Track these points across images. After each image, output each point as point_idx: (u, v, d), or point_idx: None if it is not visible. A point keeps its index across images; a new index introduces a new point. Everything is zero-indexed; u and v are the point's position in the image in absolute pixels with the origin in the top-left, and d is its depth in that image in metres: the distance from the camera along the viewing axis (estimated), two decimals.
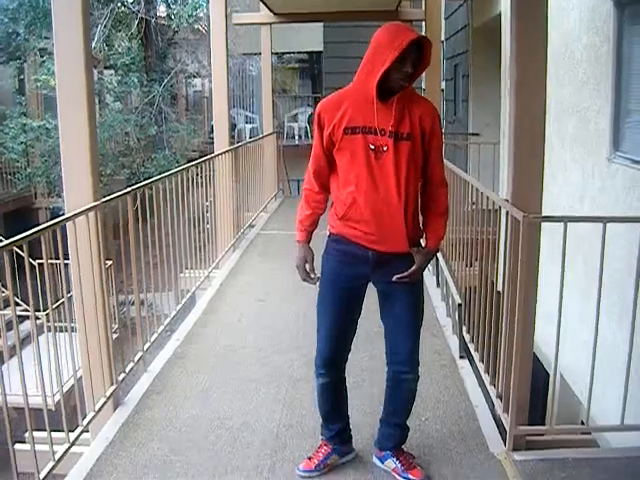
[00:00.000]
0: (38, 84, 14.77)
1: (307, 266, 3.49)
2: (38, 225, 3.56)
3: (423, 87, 10.77)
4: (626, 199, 5.29)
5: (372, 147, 3.20)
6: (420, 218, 3.43)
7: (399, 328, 3.44)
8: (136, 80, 16.72)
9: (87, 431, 4.03)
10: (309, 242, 3.51)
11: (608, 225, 3.70)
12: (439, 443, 3.92)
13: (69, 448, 3.71)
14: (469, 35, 13.91)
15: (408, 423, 3.63)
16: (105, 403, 4.17)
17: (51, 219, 3.78)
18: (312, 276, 3.50)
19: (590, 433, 4.66)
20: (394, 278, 3.30)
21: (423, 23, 10.14)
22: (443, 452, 3.82)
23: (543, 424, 4.23)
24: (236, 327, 5.93)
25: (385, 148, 3.19)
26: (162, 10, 17.80)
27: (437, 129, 3.30)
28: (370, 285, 3.45)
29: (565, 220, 3.72)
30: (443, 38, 15.13)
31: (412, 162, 3.23)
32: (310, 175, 3.44)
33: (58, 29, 3.98)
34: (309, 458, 3.63)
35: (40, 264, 3.55)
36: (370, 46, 3.15)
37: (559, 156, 6.78)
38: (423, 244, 3.44)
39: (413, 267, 3.31)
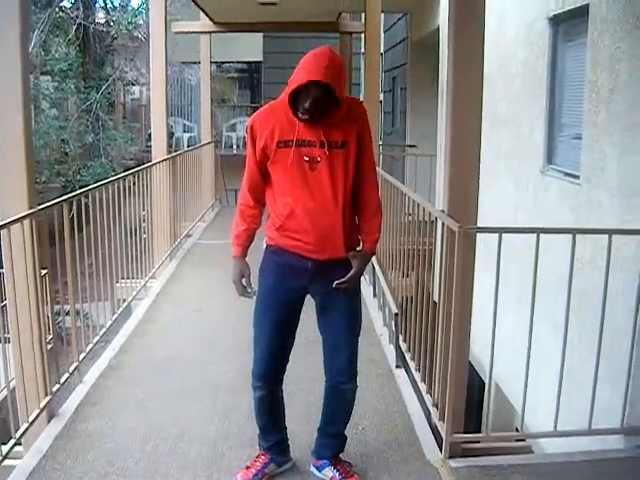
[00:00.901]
0: None
1: (244, 281, 3.47)
2: None
3: (361, 99, 10.86)
4: (558, 211, 5.41)
5: (306, 159, 3.22)
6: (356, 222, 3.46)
7: (337, 339, 3.45)
8: (73, 87, 16.54)
9: (20, 444, 3.94)
10: (245, 256, 3.48)
11: (541, 236, 3.78)
12: (376, 451, 3.95)
13: (1, 461, 3.62)
14: (407, 48, 14.09)
15: (345, 432, 3.65)
16: (39, 414, 4.09)
17: None
18: (249, 290, 3.48)
19: (525, 440, 4.74)
20: (334, 284, 3.31)
21: (362, 35, 10.23)
22: (380, 460, 3.85)
23: (479, 432, 4.28)
24: (172, 337, 5.88)
25: (319, 159, 3.21)
26: (101, 16, 17.63)
27: (367, 128, 3.34)
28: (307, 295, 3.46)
29: (500, 231, 3.80)
30: (382, 50, 15.28)
31: (347, 169, 3.25)
32: (245, 190, 3.43)
33: None
34: (247, 467, 3.62)
35: None
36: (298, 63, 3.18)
37: (494, 168, 6.90)
38: (359, 248, 3.46)
39: (351, 271, 3.33)
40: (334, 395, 3.55)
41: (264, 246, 3.46)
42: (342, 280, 3.32)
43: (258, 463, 3.61)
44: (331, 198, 3.23)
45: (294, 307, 3.44)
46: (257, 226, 3.47)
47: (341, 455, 3.66)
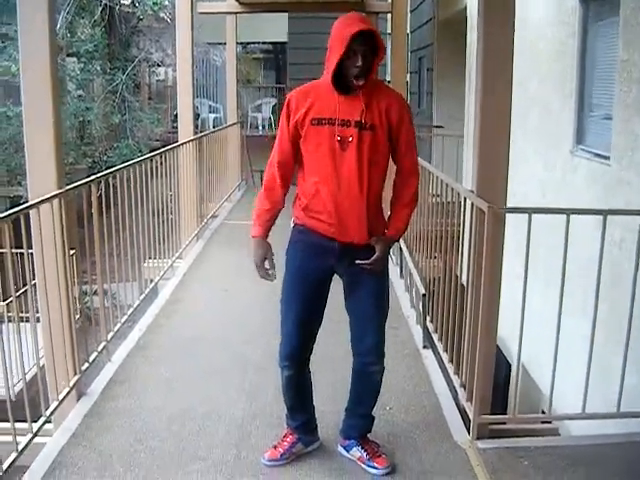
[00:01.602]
0: None
1: (266, 263, 3.43)
2: None
3: (388, 79, 10.79)
4: (588, 192, 5.36)
5: (339, 138, 3.20)
6: (385, 208, 3.44)
7: (365, 319, 3.45)
8: (99, 68, 16.58)
9: (50, 421, 3.98)
10: (267, 237, 3.43)
11: (571, 217, 3.75)
12: (404, 432, 3.95)
13: (32, 439, 3.66)
14: (434, 28, 13.98)
15: (373, 413, 3.65)
16: (68, 393, 4.13)
17: (11, 208, 3.72)
18: (270, 273, 3.44)
19: (551, 422, 4.72)
20: (357, 262, 3.30)
21: (389, 15, 10.15)
22: (408, 441, 3.85)
23: (505, 413, 4.28)
24: (199, 317, 5.91)
25: (350, 139, 3.20)
26: None
27: (406, 120, 3.30)
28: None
29: (530, 211, 3.76)
30: (409, 31, 15.17)
31: (375, 153, 3.24)
32: (274, 167, 3.38)
33: (23, 15, 3.92)
34: (274, 447, 3.63)
35: (1, 253, 3.49)
36: (329, 38, 3.17)
37: (522, 149, 6.84)
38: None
39: (374, 256, 3.31)
40: (362, 376, 3.55)
41: (292, 225, 3.45)
42: (365, 262, 3.30)
43: (286, 443, 3.63)
44: (357, 181, 3.22)
45: (322, 286, 3.43)
46: (281, 207, 3.44)
47: (369, 435, 3.66)
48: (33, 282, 4.02)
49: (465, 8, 9.96)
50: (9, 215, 3.50)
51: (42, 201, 3.85)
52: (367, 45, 3.10)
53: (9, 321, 3.94)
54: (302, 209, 3.35)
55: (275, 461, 3.59)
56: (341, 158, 3.21)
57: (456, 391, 4.28)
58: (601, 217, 3.78)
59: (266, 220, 3.40)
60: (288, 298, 3.47)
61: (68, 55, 16.82)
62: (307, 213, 3.33)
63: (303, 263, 3.41)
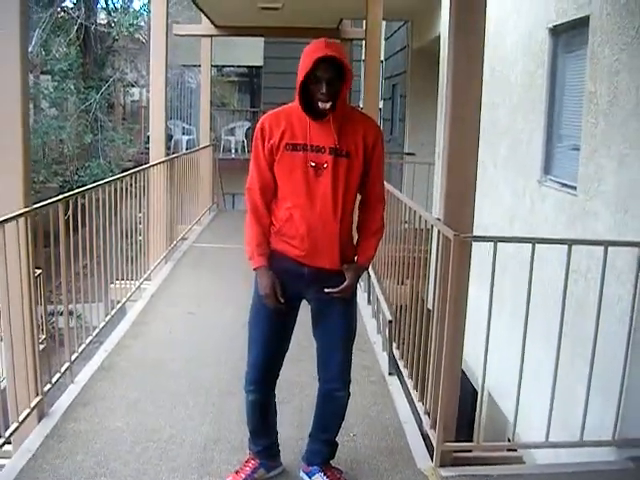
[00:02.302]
0: None
1: (278, 291, 3.30)
2: None
3: (361, 105, 10.86)
4: (555, 221, 5.41)
5: (313, 164, 3.21)
6: (355, 235, 3.45)
7: (331, 345, 3.44)
8: (73, 87, 16.54)
9: (9, 443, 3.92)
10: (268, 265, 3.33)
11: (537, 246, 3.78)
12: (367, 458, 3.93)
13: None
14: (408, 56, 14.11)
15: (337, 439, 3.64)
16: (29, 414, 4.07)
17: None
18: (282, 301, 3.32)
19: (516, 450, 4.73)
20: (326, 290, 3.29)
21: (363, 42, 10.24)
22: (371, 467, 3.84)
23: (470, 441, 4.28)
24: (166, 339, 5.87)
25: (325, 165, 3.20)
26: (102, 17, 17.65)
27: (379, 147, 3.31)
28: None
29: (495, 240, 3.79)
30: (383, 58, 15.32)
31: (349, 179, 3.24)
32: (255, 193, 3.32)
33: None
34: (236, 472, 3.60)
35: None
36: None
37: (491, 177, 6.91)
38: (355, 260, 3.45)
39: (344, 283, 3.30)
40: (327, 402, 3.54)
41: None
42: (335, 290, 3.30)
43: (247, 468, 3.60)
44: (331, 207, 3.22)
45: (289, 312, 3.41)
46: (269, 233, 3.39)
47: (332, 462, 3.65)
48: None
49: (438, 37, 10.06)
50: None
51: (7, 219, 3.81)
52: (332, 71, 3.08)
53: None
54: (274, 233, 3.34)
55: None
56: (315, 184, 3.22)
57: (421, 418, 4.28)
58: (566, 246, 3.81)
59: (264, 248, 3.33)
60: (256, 323, 3.45)
61: (42, 73, 16.81)
62: (279, 237, 3.32)
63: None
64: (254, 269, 3.35)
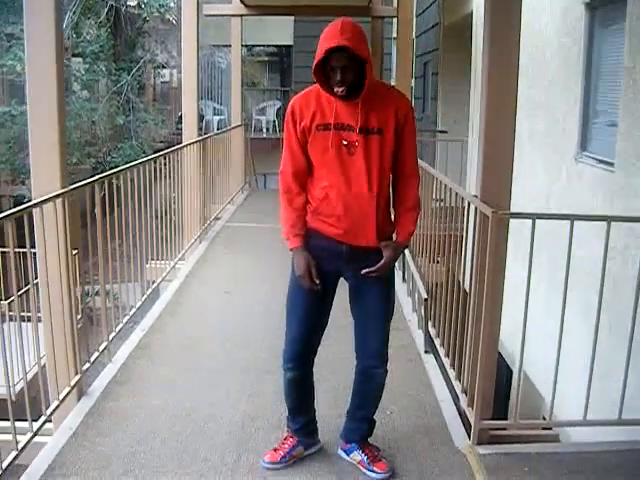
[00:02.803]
0: (4, 69, 14.54)
1: (313, 272, 3.30)
2: (1, 212, 3.51)
3: (393, 83, 10.79)
4: (592, 198, 5.35)
5: (345, 143, 3.21)
6: (392, 212, 3.43)
7: (369, 323, 3.44)
8: (104, 69, 16.60)
9: (50, 421, 3.97)
10: (304, 246, 3.33)
11: (575, 223, 3.74)
12: (404, 437, 3.94)
13: (32, 438, 3.66)
14: (440, 33, 13.99)
15: (374, 417, 3.65)
16: (69, 393, 4.13)
17: (14, 207, 3.72)
18: (317, 282, 3.31)
19: (552, 428, 4.71)
20: (363, 272, 3.29)
21: (394, 20, 10.17)
22: (408, 446, 3.84)
23: (506, 419, 4.26)
24: (201, 319, 5.90)
25: (357, 144, 3.20)
26: None
27: (410, 120, 3.28)
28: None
29: (534, 217, 3.76)
30: (414, 35, 15.19)
31: (383, 156, 3.23)
32: (289, 177, 3.34)
33: (29, 14, 3.92)
34: (274, 450, 3.63)
35: (3, 253, 3.49)
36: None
37: (527, 154, 6.84)
38: (394, 238, 3.44)
39: (382, 261, 3.30)
40: (365, 379, 3.54)
41: None
42: (372, 269, 3.29)
43: (286, 445, 3.62)
44: (366, 185, 3.22)
45: (327, 289, 3.41)
46: (304, 213, 3.38)
47: (369, 439, 3.66)
48: (35, 281, 4.02)
49: (471, 14, 9.96)
50: (12, 214, 3.49)
51: (45, 200, 3.85)
52: (345, 59, 3.03)
53: (11, 320, 3.92)
54: (310, 212, 3.34)
55: (275, 464, 3.58)
56: (349, 162, 3.22)
57: (457, 396, 4.27)
58: (605, 223, 3.77)
59: (299, 228, 3.34)
60: (294, 301, 3.47)
61: (73, 55, 16.86)
62: (316, 216, 3.33)
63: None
64: (290, 250, 3.36)
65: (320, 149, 3.24)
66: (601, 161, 5.37)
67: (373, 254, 3.30)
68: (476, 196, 3.87)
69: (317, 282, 3.31)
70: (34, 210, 3.79)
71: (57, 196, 3.95)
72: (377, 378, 3.51)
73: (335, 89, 3.13)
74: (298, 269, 3.32)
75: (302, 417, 3.64)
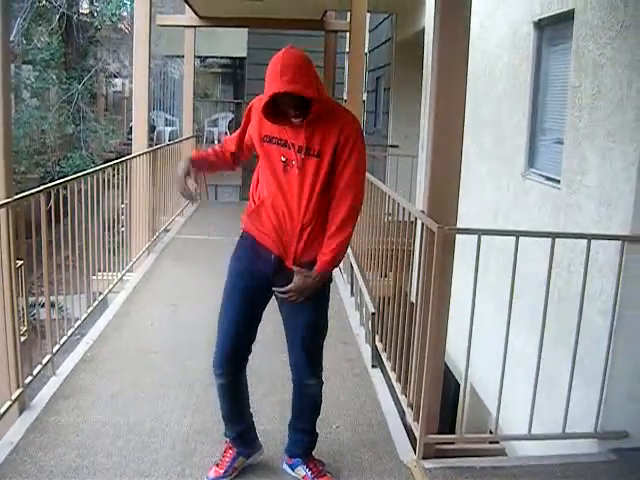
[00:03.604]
0: None
1: (189, 181, 3.40)
2: None
3: (345, 98, 10.84)
4: (539, 214, 5.42)
5: (283, 159, 3.20)
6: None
7: (297, 335, 3.42)
8: (55, 77, 16.43)
9: None
10: (197, 162, 3.49)
11: (520, 239, 3.79)
12: (350, 451, 3.93)
13: None
14: (392, 48, 14.10)
15: (318, 430, 3.64)
16: (10, 406, 4.05)
17: None
18: (193, 191, 3.42)
19: (498, 442, 4.75)
20: (273, 288, 3.31)
21: (347, 34, 10.23)
22: (354, 460, 3.84)
23: (453, 433, 4.29)
24: (148, 331, 5.84)
25: (294, 163, 3.19)
26: (85, 7, 17.52)
27: (352, 143, 3.20)
28: None
29: (479, 233, 3.80)
30: (367, 50, 15.30)
31: (316, 179, 3.20)
32: (226, 140, 3.60)
33: None
34: (216, 465, 3.59)
35: None
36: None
37: (475, 170, 6.91)
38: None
39: (289, 285, 3.27)
40: (298, 390, 3.54)
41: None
42: (280, 290, 3.30)
43: (227, 458, 3.59)
44: (296, 204, 3.22)
45: (259, 294, 3.40)
46: (223, 159, 3.57)
47: (314, 454, 3.64)
48: None
49: (423, 30, 10.05)
50: None
51: None
52: (292, 98, 3.03)
53: None
54: (248, 214, 3.36)
55: (219, 479, 3.55)
56: (285, 179, 3.22)
57: (404, 410, 4.28)
58: (549, 239, 3.82)
59: (204, 152, 3.58)
60: (225, 306, 3.46)
61: (24, 62, 16.66)
62: (251, 220, 3.34)
63: (243, 269, 3.40)
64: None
65: (265, 158, 3.26)
66: (548, 178, 5.44)
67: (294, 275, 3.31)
68: (423, 211, 3.89)
69: (193, 192, 3.42)
70: None
71: (1, 206, 3.89)
72: (309, 389, 3.50)
73: (292, 119, 3.13)
74: (177, 170, 3.43)
75: (238, 425, 3.61)
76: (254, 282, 3.36)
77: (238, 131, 3.49)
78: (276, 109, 3.13)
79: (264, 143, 3.24)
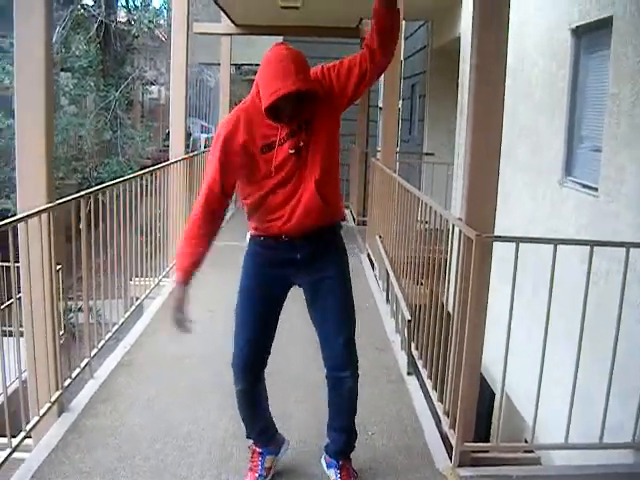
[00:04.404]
0: None
1: (183, 309, 3.37)
2: None
3: (379, 105, 10.82)
4: (576, 222, 5.39)
5: (292, 152, 3.14)
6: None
7: (331, 325, 3.37)
8: (92, 84, 16.63)
9: (30, 437, 3.95)
10: (187, 284, 3.41)
11: (558, 248, 3.76)
12: (385, 457, 3.93)
13: (11, 454, 3.64)
14: (428, 56, 14.08)
15: (355, 430, 3.60)
16: (50, 408, 4.10)
17: None
18: (187, 324, 3.39)
19: (534, 451, 4.72)
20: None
21: None
22: (389, 467, 3.83)
23: (487, 441, 4.27)
24: (184, 336, 5.85)
25: (302, 143, 3.14)
26: (122, 15, 17.73)
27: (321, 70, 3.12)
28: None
29: (517, 241, 3.78)
30: (402, 58, 15.29)
31: (328, 143, 3.18)
32: (200, 203, 3.32)
33: (19, 28, 3.93)
34: (250, 469, 3.60)
35: None
36: (260, 68, 3.07)
37: (512, 178, 6.88)
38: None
39: None
40: (334, 386, 3.47)
41: (247, 237, 3.45)
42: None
43: (256, 461, 3.60)
44: (308, 177, 3.16)
45: (276, 297, 3.41)
46: (204, 250, 3.40)
47: (352, 459, 3.62)
48: (18, 296, 4.01)
49: (459, 37, 10.03)
50: None
51: (31, 215, 3.84)
52: (293, 99, 2.98)
53: None
54: (256, 221, 3.33)
55: None
56: (297, 167, 3.16)
57: (439, 418, 4.27)
58: (588, 248, 3.80)
59: (187, 264, 3.48)
60: (241, 311, 3.47)
61: (62, 70, 16.88)
62: (262, 223, 3.30)
63: (257, 273, 3.42)
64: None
65: (263, 165, 3.16)
66: (585, 186, 5.41)
67: (326, 234, 3.34)
68: (460, 219, 3.88)
69: (187, 324, 3.45)
70: (19, 225, 3.78)
71: (43, 211, 3.95)
72: (346, 383, 3.42)
73: (288, 122, 3.10)
74: (171, 302, 3.35)
75: (257, 423, 3.59)
76: (272, 284, 3.37)
77: (213, 179, 3.18)
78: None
79: (264, 154, 3.14)
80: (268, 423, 3.65)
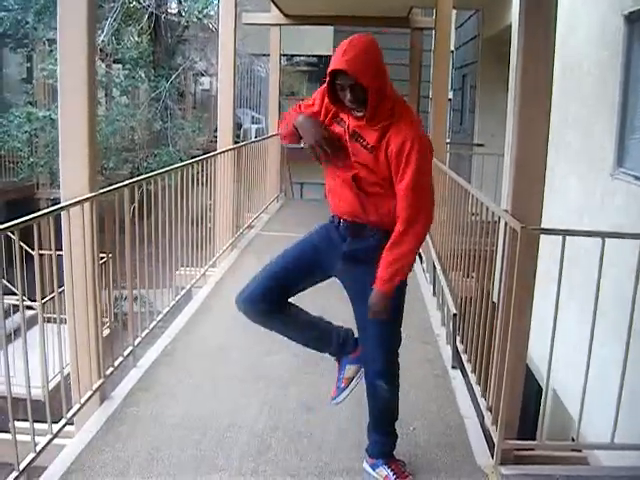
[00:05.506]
0: (45, 73, 14.73)
1: (326, 133, 3.18)
2: None
3: (430, 96, 10.72)
4: (627, 216, 5.25)
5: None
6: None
7: (368, 339, 3.38)
8: (143, 75, 16.76)
9: (71, 424, 3.98)
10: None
11: (608, 241, 3.66)
12: (426, 453, 3.87)
13: (51, 439, 3.66)
14: (479, 46, 13.90)
15: (395, 430, 3.58)
16: (91, 396, 4.13)
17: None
18: (338, 144, 3.18)
19: (581, 450, 4.61)
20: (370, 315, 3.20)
21: (433, 32, 10.12)
22: (430, 462, 3.77)
23: (533, 439, 4.17)
24: (228, 327, 5.87)
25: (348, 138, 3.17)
26: (172, 6, 17.82)
27: (410, 158, 3.01)
28: None
29: (564, 233, 3.68)
30: (453, 47, 15.13)
31: (368, 173, 3.14)
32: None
33: (63, 18, 3.94)
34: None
35: (32, 255, 3.49)
36: None
37: (560, 169, 6.74)
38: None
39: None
40: (371, 393, 3.48)
41: None
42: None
43: (336, 373, 3.60)
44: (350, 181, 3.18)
45: (319, 265, 3.41)
46: None
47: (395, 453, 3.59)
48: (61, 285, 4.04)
49: (509, 26, 9.86)
50: (37, 217, 3.51)
51: (73, 203, 3.86)
52: (349, 79, 2.99)
53: (35, 322, 3.94)
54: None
55: (339, 396, 3.57)
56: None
57: (483, 414, 4.19)
58: (638, 241, 3.68)
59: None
60: (282, 253, 3.51)
61: (114, 61, 17.05)
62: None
63: (322, 235, 3.44)
64: (296, 121, 3.31)
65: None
66: (638, 178, 5.26)
67: (366, 235, 3.27)
68: (506, 211, 3.80)
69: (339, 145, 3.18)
70: (61, 213, 3.80)
71: (85, 200, 3.96)
72: (381, 393, 3.42)
73: (350, 108, 3.10)
74: (311, 136, 3.21)
75: (308, 332, 3.55)
76: (320, 253, 3.39)
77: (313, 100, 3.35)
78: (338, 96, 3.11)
79: (334, 121, 3.23)
80: (322, 330, 3.56)
